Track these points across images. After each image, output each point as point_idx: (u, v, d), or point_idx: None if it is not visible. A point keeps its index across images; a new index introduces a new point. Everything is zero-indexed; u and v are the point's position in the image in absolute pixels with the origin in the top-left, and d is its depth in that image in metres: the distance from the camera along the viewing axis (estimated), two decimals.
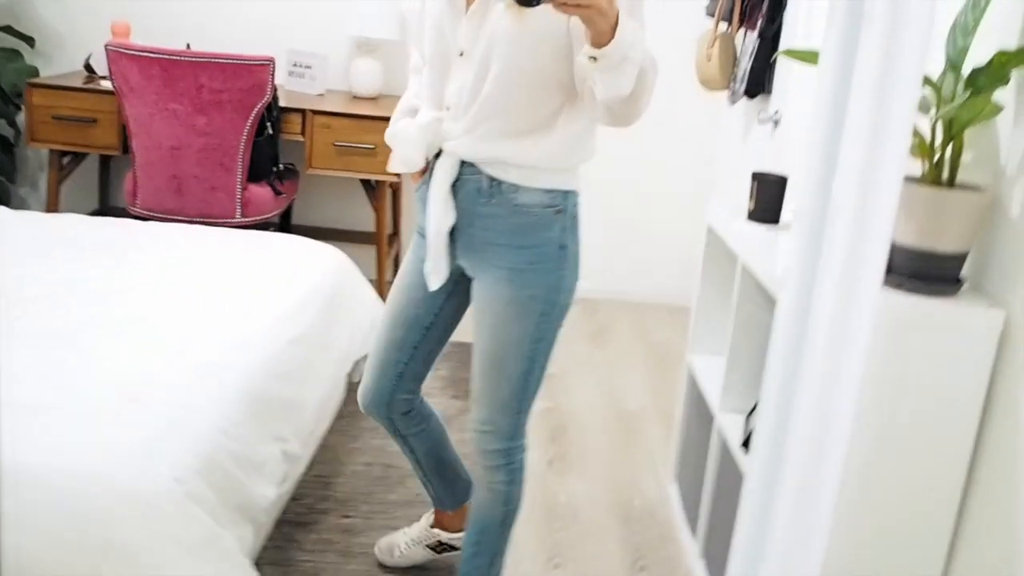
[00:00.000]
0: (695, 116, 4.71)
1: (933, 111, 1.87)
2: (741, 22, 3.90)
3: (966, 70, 1.84)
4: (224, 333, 2.39)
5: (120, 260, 2.84)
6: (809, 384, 1.09)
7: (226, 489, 1.92)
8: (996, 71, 1.78)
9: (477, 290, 2.01)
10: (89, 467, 1.72)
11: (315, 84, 4.44)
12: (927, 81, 1.82)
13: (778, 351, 1.11)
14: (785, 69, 3.61)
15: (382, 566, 2.52)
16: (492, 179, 1.92)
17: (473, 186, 1.94)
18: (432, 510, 2.52)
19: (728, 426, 2.35)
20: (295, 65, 4.45)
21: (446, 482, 2.43)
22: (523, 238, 1.92)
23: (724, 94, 4.06)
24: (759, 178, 2.44)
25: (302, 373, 2.50)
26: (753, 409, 2.30)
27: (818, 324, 0.99)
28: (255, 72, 3.70)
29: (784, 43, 3.65)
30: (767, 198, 2.44)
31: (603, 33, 1.53)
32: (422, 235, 2.09)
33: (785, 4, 3.65)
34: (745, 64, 3.80)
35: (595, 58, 1.58)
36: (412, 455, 2.36)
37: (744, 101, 3.95)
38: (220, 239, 3.14)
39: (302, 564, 2.49)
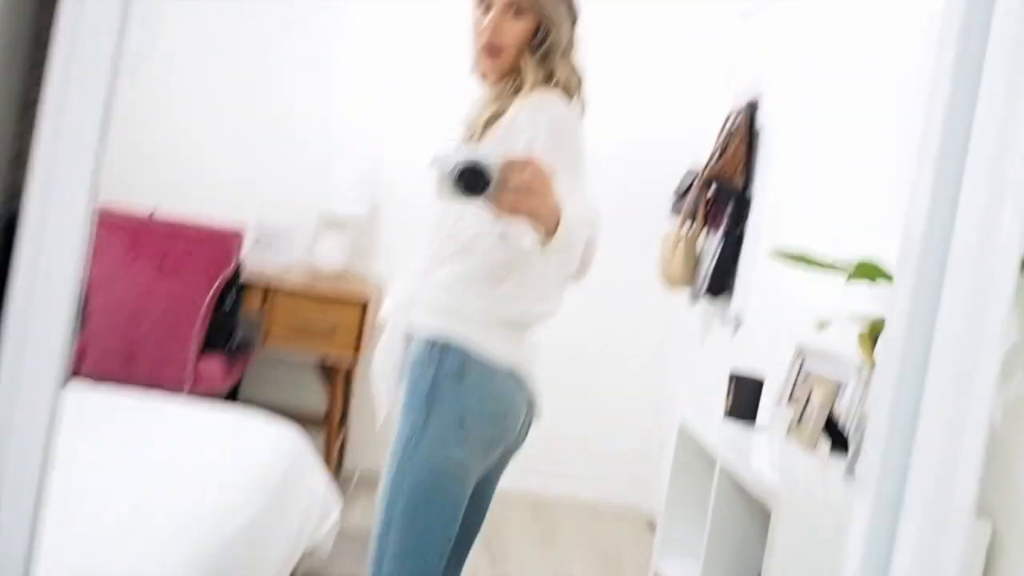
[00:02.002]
0: (650, 316, 4.75)
1: None
2: (704, 222, 4.01)
3: None
4: (171, 515, 2.24)
5: (67, 430, 2.71)
6: None
7: None
8: None
9: None
10: None
11: (279, 256, 4.43)
12: None
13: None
14: (748, 270, 3.69)
15: None
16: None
17: None
18: None
19: None
20: (261, 236, 4.45)
21: None
22: (406, 377, 1.89)
23: (685, 291, 4.12)
24: (737, 379, 2.44)
25: (250, 564, 2.36)
26: None
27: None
28: (223, 242, 3.70)
29: (748, 245, 3.74)
30: (744, 399, 2.43)
31: (548, 225, 1.59)
32: None
33: (750, 207, 3.76)
34: (708, 263, 3.88)
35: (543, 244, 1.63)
36: None
37: (704, 300, 4.02)
38: (174, 409, 3.04)
39: None
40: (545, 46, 1.92)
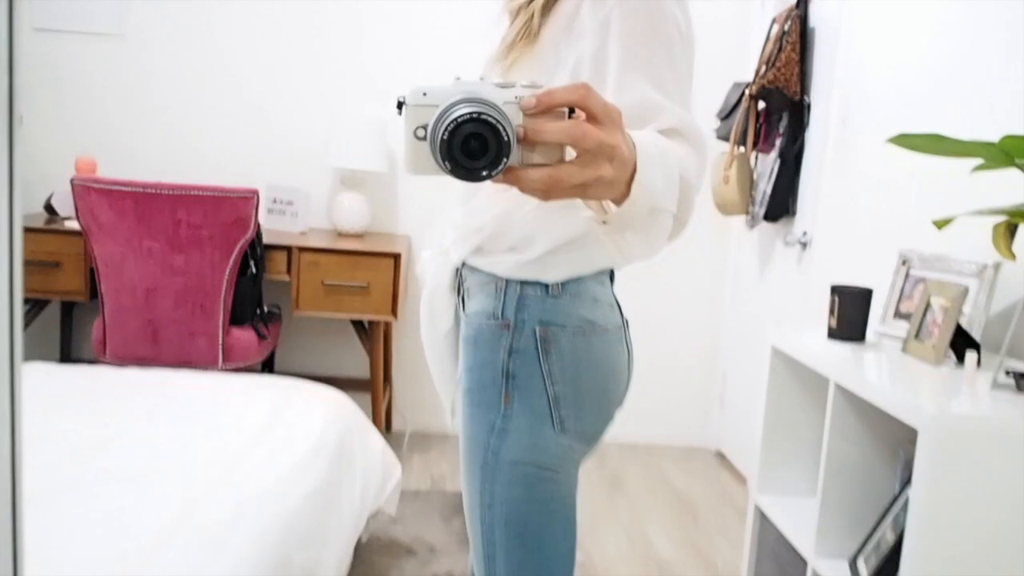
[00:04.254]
0: (704, 246, 4.42)
1: None
2: (755, 144, 3.70)
3: None
4: (231, 490, 2.01)
5: (95, 411, 2.46)
6: None
7: None
8: None
9: None
10: None
11: (296, 221, 4.14)
12: None
13: None
14: (812, 189, 3.39)
15: None
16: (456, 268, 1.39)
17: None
18: None
19: (828, 573, 2.00)
20: (275, 201, 4.16)
21: None
22: (466, 357, 1.33)
23: (741, 219, 3.83)
24: (840, 292, 2.15)
25: (319, 535, 2.12)
26: (859, 551, 1.96)
27: None
28: (238, 206, 3.40)
29: (807, 162, 3.44)
30: (850, 314, 2.15)
31: (616, 191, 0.96)
32: None
33: (807, 123, 3.45)
34: (764, 187, 3.58)
35: (605, 221, 1.03)
36: None
37: (763, 225, 3.72)
38: (209, 383, 2.77)
39: None
40: None
